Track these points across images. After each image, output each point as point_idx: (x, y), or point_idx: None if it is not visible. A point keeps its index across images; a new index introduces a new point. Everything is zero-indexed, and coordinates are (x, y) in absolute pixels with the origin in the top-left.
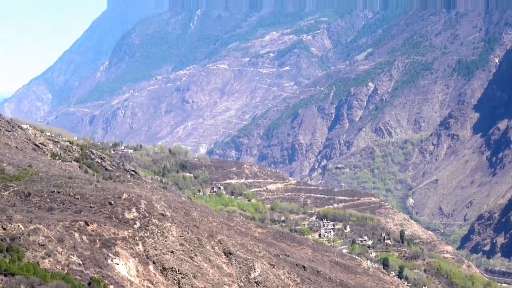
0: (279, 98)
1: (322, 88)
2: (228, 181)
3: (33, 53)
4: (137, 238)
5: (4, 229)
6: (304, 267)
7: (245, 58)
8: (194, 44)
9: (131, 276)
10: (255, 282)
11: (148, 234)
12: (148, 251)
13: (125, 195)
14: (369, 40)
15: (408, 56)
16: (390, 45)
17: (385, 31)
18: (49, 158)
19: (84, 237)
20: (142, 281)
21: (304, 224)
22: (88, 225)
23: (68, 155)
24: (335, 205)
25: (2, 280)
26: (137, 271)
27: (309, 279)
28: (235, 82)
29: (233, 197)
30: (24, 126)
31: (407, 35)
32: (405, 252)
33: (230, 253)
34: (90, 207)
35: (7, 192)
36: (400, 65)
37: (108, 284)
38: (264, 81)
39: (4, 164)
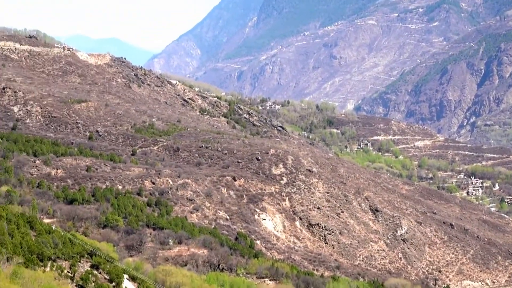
0: (428, 54)
1: (471, 43)
2: (375, 137)
3: (182, 9)
4: (283, 193)
5: (153, 183)
6: (451, 225)
7: (394, 14)
8: None
9: (277, 231)
10: (401, 239)
11: (295, 190)
12: (294, 207)
13: (272, 151)
14: None
15: None
16: None
17: None
18: (198, 113)
19: (232, 192)
20: (289, 236)
21: (452, 182)
22: (235, 180)
23: (216, 110)
24: (484, 163)
25: (151, 234)
26: (284, 226)
27: (456, 237)
28: (383, 37)
29: (380, 153)
30: (173, 82)
31: None
32: None
33: (377, 210)
34: (238, 162)
35: (157, 147)
36: None
37: (254, 239)
38: (413, 37)
39: (153, 119)
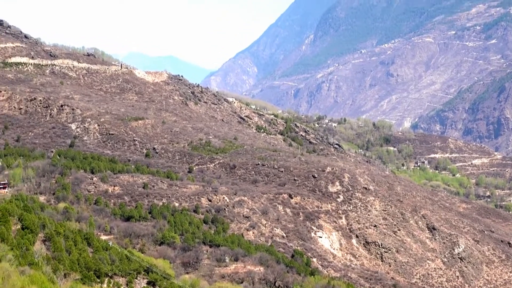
0: (485, 71)
1: None
2: (432, 155)
3: (239, 27)
4: (340, 211)
5: (210, 200)
6: (509, 243)
7: (451, 31)
8: (399, 17)
9: (334, 249)
10: (459, 257)
11: (351, 207)
12: (351, 225)
13: (328, 169)
14: None
15: None
16: None
17: None
18: (254, 130)
19: (288, 210)
20: (345, 254)
21: (510, 200)
22: (292, 198)
23: (273, 128)
24: None
25: (207, 251)
26: (340, 244)
27: None
28: (440, 55)
29: (437, 171)
30: (230, 99)
31: None
32: None
33: (434, 228)
34: (294, 180)
35: (213, 164)
36: None
37: (311, 257)
38: (470, 55)
39: (210, 137)
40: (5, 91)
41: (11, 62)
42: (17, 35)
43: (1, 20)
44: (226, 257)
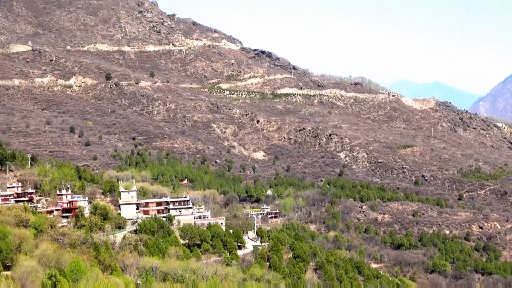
0: None
1: None
2: None
3: (510, 50)
4: None
5: (481, 228)
6: None
7: None
8: None
9: None
10: None
11: None
12: None
13: None
14: None
15: None
16: None
17: None
18: None
19: None
20: None
21: None
22: None
23: None
24: None
25: (479, 279)
26: None
27: None
28: None
29: None
30: (499, 125)
31: None
32: None
33: None
34: None
35: (483, 191)
36: None
37: None
38: None
39: (480, 163)
40: (274, 121)
41: (280, 93)
42: (285, 67)
43: (270, 53)
44: (499, 285)
